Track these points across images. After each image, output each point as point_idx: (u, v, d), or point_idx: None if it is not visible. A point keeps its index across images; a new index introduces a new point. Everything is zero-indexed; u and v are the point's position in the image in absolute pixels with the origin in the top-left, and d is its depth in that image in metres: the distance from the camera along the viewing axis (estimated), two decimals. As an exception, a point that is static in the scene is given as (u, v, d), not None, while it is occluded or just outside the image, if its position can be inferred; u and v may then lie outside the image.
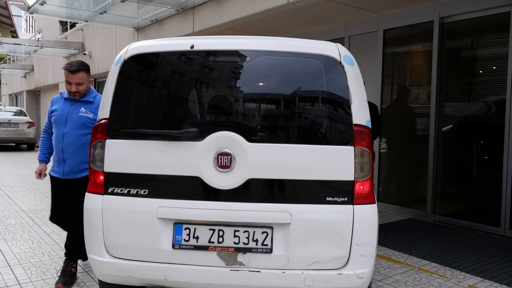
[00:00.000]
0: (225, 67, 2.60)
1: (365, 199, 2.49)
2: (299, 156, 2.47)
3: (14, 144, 16.88)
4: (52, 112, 3.67)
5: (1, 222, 5.58)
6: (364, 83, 2.97)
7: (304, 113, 2.56)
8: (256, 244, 2.48)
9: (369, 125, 2.54)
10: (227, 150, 2.47)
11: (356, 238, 2.46)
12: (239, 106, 2.56)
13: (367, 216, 2.50)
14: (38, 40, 15.63)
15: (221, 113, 2.59)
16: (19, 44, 15.31)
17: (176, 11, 8.29)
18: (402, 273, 3.92)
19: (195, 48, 2.60)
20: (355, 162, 2.49)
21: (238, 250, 2.47)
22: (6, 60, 23.52)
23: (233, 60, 2.60)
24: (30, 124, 16.09)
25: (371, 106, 4.54)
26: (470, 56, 6.10)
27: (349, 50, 2.96)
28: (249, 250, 2.48)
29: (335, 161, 2.48)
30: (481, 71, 5.94)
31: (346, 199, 2.46)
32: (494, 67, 5.65)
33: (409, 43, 6.61)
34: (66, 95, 3.65)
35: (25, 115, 16.90)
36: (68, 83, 3.52)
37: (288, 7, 6.27)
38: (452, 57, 5.98)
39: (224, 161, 2.47)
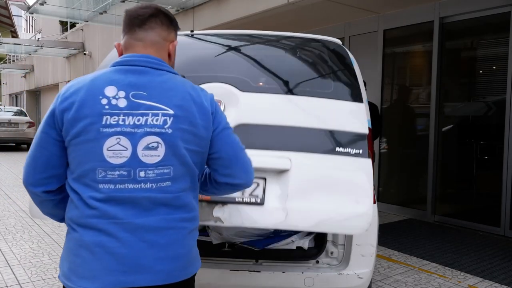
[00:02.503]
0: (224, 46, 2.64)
1: (365, 199, 2.49)
2: (301, 106, 2.27)
3: (14, 144, 16.88)
4: None
5: (1, 222, 5.58)
6: (365, 83, 2.98)
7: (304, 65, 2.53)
8: (242, 195, 2.04)
9: (369, 125, 2.54)
10: (217, 98, 2.19)
11: (356, 238, 2.46)
12: (234, 60, 2.55)
13: (367, 216, 2.49)
14: (38, 40, 15.64)
15: (214, 67, 2.53)
16: (19, 44, 15.32)
17: (176, 11, 8.29)
18: (402, 273, 3.92)
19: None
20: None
21: (215, 202, 2.02)
22: (6, 60, 23.53)
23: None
24: (30, 124, 16.09)
25: (371, 106, 4.54)
26: (470, 56, 6.09)
27: (349, 50, 2.96)
28: (230, 201, 2.01)
29: (345, 114, 2.27)
30: (481, 71, 5.94)
31: (360, 151, 2.15)
32: (494, 67, 5.65)
33: (409, 43, 6.60)
34: None
35: (25, 115, 16.90)
36: None
37: (288, 7, 6.27)
38: (452, 57, 5.98)
39: None
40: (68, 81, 14.59)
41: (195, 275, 1.49)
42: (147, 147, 1.34)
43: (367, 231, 2.47)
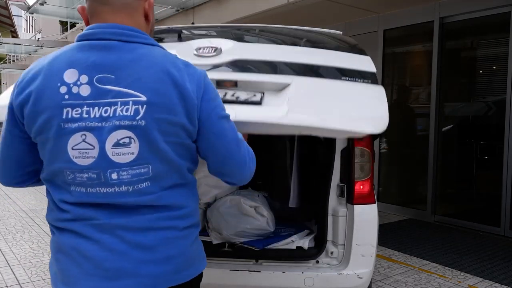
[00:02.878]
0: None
1: (365, 199, 2.49)
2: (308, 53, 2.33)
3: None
4: None
5: (1, 222, 5.58)
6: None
7: None
8: (237, 99, 1.96)
9: (369, 125, 2.54)
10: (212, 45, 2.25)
11: (356, 238, 2.46)
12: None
13: (367, 216, 2.49)
14: (38, 40, 15.64)
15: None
16: (19, 44, 15.31)
17: (176, 11, 8.29)
18: (402, 273, 3.92)
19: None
20: (356, 162, 2.48)
21: None
22: (6, 60, 23.52)
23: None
24: (30, 124, 16.08)
25: (371, 106, 4.53)
26: (470, 56, 6.09)
27: (349, 50, 2.96)
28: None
29: (352, 59, 2.29)
30: (481, 71, 5.93)
31: (370, 81, 2.12)
32: (494, 67, 5.64)
33: (409, 43, 6.60)
34: None
35: (25, 115, 16.88)
36: None
37: (288, 7, 6.27)
38: (452, 57, 5.98)
39: (206, 50, 2.22)
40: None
41: (199, 277, 1.32)
42: (118, 144, 1.11)
43: (367, 231, 2.48)
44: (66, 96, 1.10)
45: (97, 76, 1.10)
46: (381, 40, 6.52)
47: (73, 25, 15.20)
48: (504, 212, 5.18)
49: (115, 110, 1.09)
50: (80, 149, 1.11)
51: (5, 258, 4.17)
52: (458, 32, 5.97)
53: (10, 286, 3.53)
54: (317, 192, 3.06)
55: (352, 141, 2.49)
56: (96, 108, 1.09)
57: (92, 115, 1.09)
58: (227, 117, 1.24)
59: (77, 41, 1.17)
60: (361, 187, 2.48)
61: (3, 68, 21.38)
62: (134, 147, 1.11)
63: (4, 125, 1.20)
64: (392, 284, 3.67)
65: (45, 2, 9.02)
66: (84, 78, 1.10)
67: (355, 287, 2.48)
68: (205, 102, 1.18)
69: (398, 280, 3.76)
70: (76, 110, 1.10)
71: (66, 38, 15.49)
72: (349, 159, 2.51)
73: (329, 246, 2.54)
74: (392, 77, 6.69)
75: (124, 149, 1.11)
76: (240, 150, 1.26)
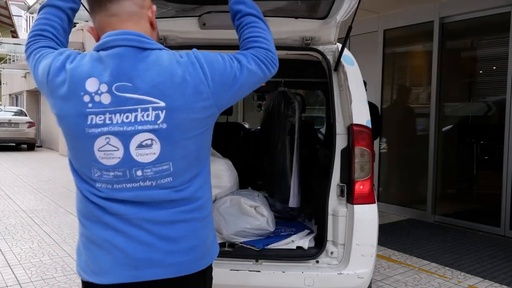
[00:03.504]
0: None
1: (365, 199, 2.49)
2: None
3: (14, 144, 16.87)
4: None
5: (1, 222, 5.58)
6: (365, 83, 2.98)
7: None
8: None
9: (369, 125, 2.54)
10: None
11: (356, 238, 2.46)
12: None
13: (367, 216, 2.49)
14: (38, 40, 15.63)
15: None
16: (19, 44, 15.31)
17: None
18: (402, 273, 3.92)
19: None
20: (356, 162, 2.49)
21: None
22: (6, 60, 23.52)
23: None
24: (30, 124, 16.08)
25: (371, 106, 4.53)
26: (470, 56, 6.09)
27: (349, 50, 2.96)
28: None
29: None
30: (481, 71, 5.94)
31: None
32: (494, 67, 5.65)
33: (409, 43, 6.60)
34: None
35: (25, 115, 16.89)
36: None
37: (288, 7, 6.26)
38: (452, 57, 5.98)
39: None
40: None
41: (211, 264, 1.42)
42: (140, 146, 1.20)
43: (367, 231, 2.47)
44: (90, 105, 1.19)
45: (115, 85, 1.19)
46: (381, 40, 6.52)
47: (73, 25, 15.23)
48: (504, 212, 5.18)
49: (136, 116, 1.19)
50: (105, 150, 1.20)
51: (5, 258, 4.17)
52: (458, 32, 5.97)
53: (10, 286, 3.53)
54: (317, 192, 3.07)
55: (352, 141, 2.49)
56: (118, 115, 1.19)
57: (114, 121, 1.19)
58: (237, 65, 1.31)
59: (94, 50, 1.25)
60: (361, 187, 2.48)
61: (3, 68, 21.37)
62: (156, 148, 1.21)
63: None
64: (392, 284, 3.67)
65: (45, 2, 9.02)
66: (104, 87, 1.19)
67: (355, 287, 2.48)
68: (213, 85, 1.25)
69: (398, 280, 3.76)
70: (100, 117, 1.19)
71: (66, 38, 15.51)
72: (349, 159, 2.51)
73: (329, 246, 2.54)
74: (392, 77, 6.69)
75: (146, 150, 1.21)
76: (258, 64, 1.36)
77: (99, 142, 1.20)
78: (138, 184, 1.23)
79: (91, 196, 1.26)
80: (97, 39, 1.29)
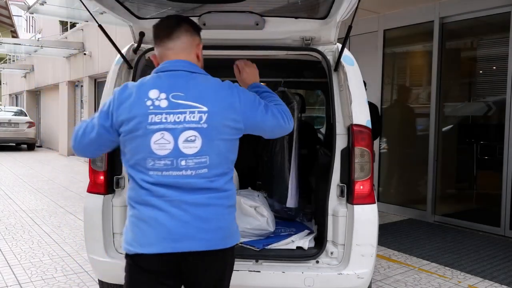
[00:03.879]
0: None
1: (365, 199, 2.49)
2: None
3: (14, 144, 16.88)
4: None
5: (1, 222, 5.58)
6: (365, 83, 2.98)
7: None
8: None
9: (369, 125, 2.54)
10: None
11: (356, 238, 2.46)
12: None
13: (367, 216, 2.49)
14: (38, 40, 15.63)
15: None
16: (19, 44, 15.30)
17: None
18: (402, 273, 3.92)
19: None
20: (356, 162, 2.49)
21: None
22: (6, 60, 23.51)
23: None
24: (30, 124, 16.08)
25: (371, 106, 4.53)
26: (470, 56, 6.10)
27: (349, 50, 2.96)
28: None
29: None
30: (481, 71, 5.94)
31: None
32: (494, 67, 5.65)
33: (409, 43, 6.60)
34: None
35: (25, 115, 16.89)
36: None
37: (288, 7, 6.26)
38: (452, 57, 5.98)
39: None
40: (68, 81, 14.48)
41: (234, 246, 1.73)
42: (186, 140, 1.59)
43: (367, 231, 2.47)
44: (151, 107, 1.60)
45: (171, 94, 1.61)
46: (381, 40, 6.52)
47: (73, 25, 15.19)
48: (504, 212, 5.18)
49: (185, 117, 1.59)
50: (160, 143, 1.58)
51: (5, 258, 4.17)
52: (458, 32, 5.97)
53: (10, 286, 3.53)
54: (317, 192, 3.07)
55: (352, 141, 2.49)
56: (172, 115, 1.59)
57: (168, 120, 1.58)
58: (261, 107, 1.76)
59: (155, 73, 1.70)
60: (361, 187, 2.48)
61: (3, 68, 21.36)
62: (198, 143, 1.60)
63: (96, 121, 1.68)
64: (392, 284, 3.67)
65: (45, 2, 9.00)
66: (163, 95, 1.61)
67: (355, 287, 2.48)
68: (243, 106, 1.70)
69: (398, 280, 3.76)
70: (158, 117, 1.59)
71: (66, 38, 15.48)
72: (349, 159, 2.51)
73: (329, 246, 2.54)
74: (392, 77, 6.69)
75: (190, 144, 1.59)
76: (275, 119, 1.79)
77: (156, 136, 1.58)
78: (181, 172, 1.60)
79: (143, 183, 1.61)
80: (157, 65, 1.76)
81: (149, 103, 1.60)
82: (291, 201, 3.07)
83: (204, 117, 1.59)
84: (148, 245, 1.60)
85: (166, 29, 1.72)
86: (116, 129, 1.65)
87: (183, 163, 1.59)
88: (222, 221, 1.66)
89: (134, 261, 1.65)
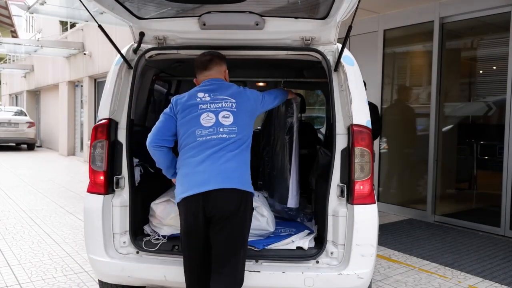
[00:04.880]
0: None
1: (365, 199, 2.49)
2: None
3: (14, 144, 16.88)
4: None
5: (1, 222, 5.58)
6: (365, 83, 2.97)
7: None
8: None
9: (369, 125, 2.54)
10: None
11: (356, 238, 2.46)
12: None
13: (367, 216, 2.50)
14: (38, 40, 15.62)
15: None
16: (19, 44, 15.29)
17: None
18: (402, 273, 3.92)
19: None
20: (356, 162, 2.49)
21: None
22: (6, 60, 23.50)
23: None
24: (30, 124, 16.08)
25: (371, 106, 4.53)
26: (470, 56, 6.10)
27: (349, 50, 2.96)
28: None
29: None
30: (481, 71, 5.94)
31: None
32: (494, 67, 5.65)
33: (409, 43, 6.61)
34: None
35: (25, 115, 16.89)
36: None
37: (288, 7, 6.26)
38: (452, 57, 5.98)
39: None
40: (68, 81, 14.41)
41: (251, 195, 2.42)
42: (224, 117, 2.42)
43: (367, 231, 2.47)
44: (199, 100, 2.48)
45: (211, 93, 2.50)
46: (381, 40, 6.51)
47: (73, 25, 15.19)
48: (504, 212, 5.18)
49: (222, 105, 2.46)
50: (206, 119, 2.42)
51: (5, 258, 4.17)
52: (458, 32, 5.97)
53: (10, 286, 3.53)
54: (317, 192, 3.06)
55: (352, 141, 2.49)
56: (213, 104, 2.46)
57: (211, 107, 2.45)
58: (261, 100, 2.68)
59: (199, 87, 2.56)
60: (361, 187, 2.48)
61: (3, 68, 21.36)
62: (231, 119, 2.43)
63: (163, 116, 2.52)
64: (392, 284, 3.67)
65: (45, 2, 9.01)
66: (206, 95, 2.49)
67: (355, 287, 2.48)
68: (256, 101, 2.64)
69: (398, 280, 3.76)
70: (204, 105, 2.46)
71: (66, 38, 15.47)
72: (349, 159, 2.51)
73: (329, 246, 2.54)
74: (392, 77, 6.69)
75: (226, 119, 2.42)
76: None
77: (203, 116, 2.43)
78: (220, 136, 2.39)
79: (195, 147, 2.40)
80: (198, 85, 2.61)
81: (198, 100, 2.47)
82: (292, 201, 3.08)
83: (234, 104, 2.46)
84: (188, 190, 2.33)
85: (203, 63, 2.56)
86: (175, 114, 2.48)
87: (221, 129, 2.39)
88: (241, 173, 2.39)
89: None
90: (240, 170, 2.38)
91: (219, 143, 2.36)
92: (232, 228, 2.31)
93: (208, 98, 2.45)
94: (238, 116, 2.44)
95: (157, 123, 2.48)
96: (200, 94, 2.47)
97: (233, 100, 2.46)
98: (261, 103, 2.67)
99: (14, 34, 24.80)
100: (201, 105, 2.43)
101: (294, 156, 3.13)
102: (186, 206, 2.34)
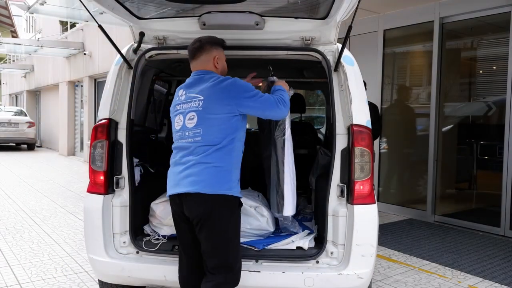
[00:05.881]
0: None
1: (365, 199, 2.49)
2: None
3: (14, 144, 16.88)
4: None
5: (1, 222, 5.58)
6: (365, 83, 2.97)
7: None
8: None
9: (369, 125, 2.54)
10: None
11: (356, 238, 2.46)
12: None
13: (367, 216, 2.50)
14: (38, 40, 15.61)
15: None
16: (19, 44, 15.28)
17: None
18: (402, 273, 3.92)
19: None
20: (356, 162, 2.48)
21: None
22: (6, 60, 23.50)
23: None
24: (30, 124, 16.08)
25: (371, 106, 4.53)
26: (470, 56, 6.10)
27: (349, 50, 2.96)
28: None
29: None
30: (481, 71, 5.94)
31: None
32: (494, 67, 5.65)
33: (409, 43, 6.60)
34: None
35: (25, 115, 16.88)
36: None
37: (288, 7, 6.26)
38: (452, 57, 5.98)
39: None
40: (68, 81, 14.39)
41: (219, 197, 2.27)
42: (189, 119, 2.31)
43: (367, 231, 2.47)
44: (177, 99, 2.43)
45: (188, 90, 2.39)
46: (381, 40, 6.51)
47: (73, 25, 15.18)
48: (504, 212, 5.18)
49: (190, 105, 2.34)
50: (177, 122, 2.38)
51: (5, 258, 4.17)
52: (458, 32, 5.97)
53: (10, 286, 3.53)
54: (317, 192, 3.06)
55: (352, 141, 2.49)
56: (185, 104, 2.36)
57: (183, 108, 2.37)
58: (250, 96, 2.34)
59: (185, 82, 2.47)
60: (361, 187, 2.48)
61: (3, 68, 21.35)
62: (195, 120, 2.30)
63: None
64: (392, 284, 3.67)
65: (45, 2, 9.00)
66: (184, 93, 2.40)
67: (355, 287, 2.48)
68: (235, 95, 2.30)
69: (398, 280, 3.76)
70: (179, 105, 2.40)
71: (66, 38, 15.47)
72: (349, 159, 2.51)
73: (329, 246, 2.54)
74: (392, 77, 6.69)
75: (191, 121, 2.31)
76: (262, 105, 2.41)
77: (176, 119, 2.39)
78: (186, 140, 2.32)
79: (173, 149, 2.43)
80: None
81: (177, 98, 2.41)
82: (288, 209, 2.75)
83: (201, 103, 2.29)
84: (171, 189, 2.38)
85: (190, 51, 2.41)
86: None
87: (187, 133, 2.31)
88: (205, 176, 2.26)
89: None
90: (207, 174, 2.25)
91: (187, 147, 2.30)
92: (209, 230, 2.27)
93: (183, 97, 2.36)
94: (204, 116, 2.27)
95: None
96: (180, 92, 2.40)
97: (201, 98, 2.28)
98: (247, 99, 2.30)
99: (14, 34, 24.79)
100: (177, 105, 2.38)
101: (288, 158, 2.76)
102: (170, 205, 2.41)
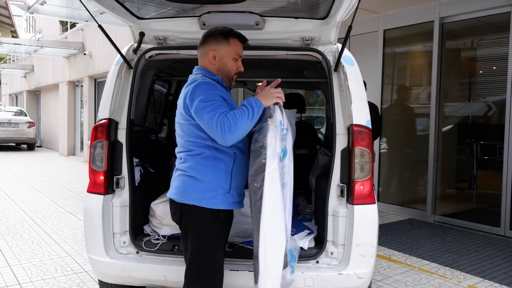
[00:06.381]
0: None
1: (365, 199, 2.49)
2: None
3: (14, 144, 16.88)
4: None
5: (1, 222, 5.58)
6: (365, 83, 2.97)
7: None
8: None
9: (369, 125, 2.54)
10: None
11: (356, 238, 2.46)
12: None
13: (367, 216, 2.49)
14: (38, 40, 15.60)
15: None
16: (19, 44, 15.28)
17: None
18: (402, 273, 3.92)
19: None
20: (356, 162, 2.48)
21: None
22: (6, 60, 23.50)
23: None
24: (30, 124, 16.08)
25: (371, 106, 4.53)
26: (470, 56, 6.09)
27: (349, 50, 2.96)
28: None
29: None
30: (481, 71, 5.94)
31: None
32: (494, 67, 5.65)
33: (409, 43, 6.60)
34: (221, 80, 2.25)
35: (25, 115, 16.88)
36: (236, 59, 2.28)
37: (288, 7, 6.26)
38: (452, 57, 5.98)
39: None
40: (68, 81, 14.39)
41: (186, 207, 2.16)
42: (176, 122, 2.26)
43: (367, 231, 2.47)
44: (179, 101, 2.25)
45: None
46: (381, 40, 6.51)
47: (73, 25, 15.18)
48: (504, 212, 5.18)
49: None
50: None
51: (5, 258, 4.17)
52: (458, 32, 5.97)
53: (10, 286, 3.53)
54: (317, 193, 3.06)
55: (352, 141, 2.49)
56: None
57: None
58: (199, 108, 2.04)
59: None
60: (361, 187, 2.48)
61: (3, 68, 21.35)
62: (176, 124, 2.24)
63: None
64: (392, 284, 3.67)
65: (45, 2, 9.00)
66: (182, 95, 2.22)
67: (355, 287, 2.48)
68: (189, 103, 2.10)
69: (398, 280, 3.76)
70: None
71: (66, 38, 15.47)
72: (349, 159, 2.51)
73: (329, 246, 2.54)
74: (392, 77, 6.69)
75: (176, 125, 2.25)
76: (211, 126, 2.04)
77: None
78: (176, 142, 2.30)
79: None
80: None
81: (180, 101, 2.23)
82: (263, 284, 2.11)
83: (178, 108, 2.20)
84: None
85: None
86: None
87: (175, 136, 2.28)
88: (181, 183, 2.19)
89: None
90: (179, 182, 2.20)
91: (176, 151, 2.28)
92: (184, 237, 2.25)
93: (181, 101, 2.18)
94: (177, 122, 2.21)
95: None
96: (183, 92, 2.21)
97: (180, 102, 2.16)
98: (195, 111, 2.03)
99: (14, 34, 24.79)
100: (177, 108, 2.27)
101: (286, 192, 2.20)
102: None
